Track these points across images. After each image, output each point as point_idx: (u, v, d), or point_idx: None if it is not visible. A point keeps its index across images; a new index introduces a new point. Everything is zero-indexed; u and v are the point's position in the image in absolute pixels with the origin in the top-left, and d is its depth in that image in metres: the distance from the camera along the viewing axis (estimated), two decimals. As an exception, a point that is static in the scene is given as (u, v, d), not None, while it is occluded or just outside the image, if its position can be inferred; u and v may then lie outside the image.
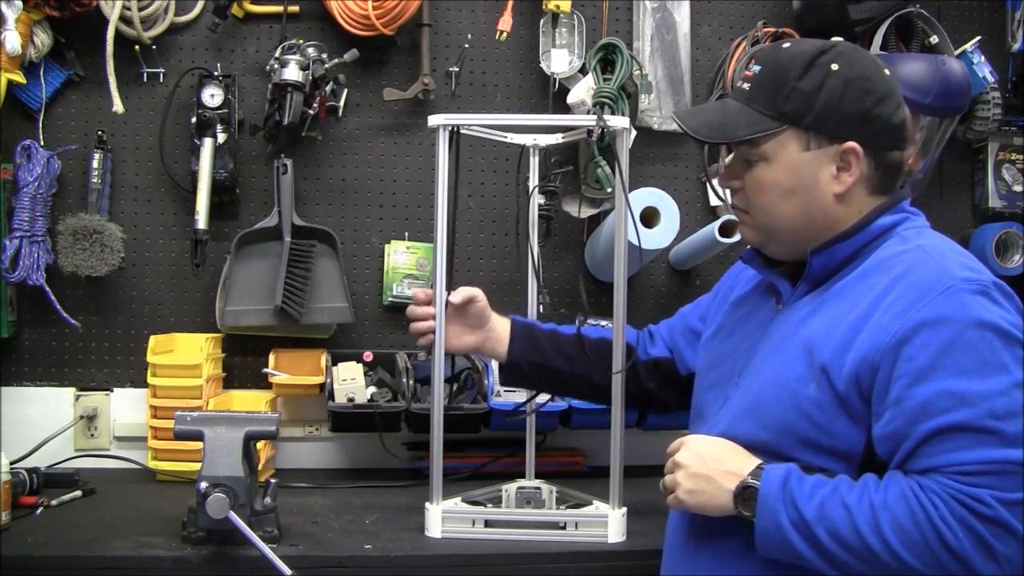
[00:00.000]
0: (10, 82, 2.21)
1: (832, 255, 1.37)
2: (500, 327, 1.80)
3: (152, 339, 2.21)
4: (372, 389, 2.28)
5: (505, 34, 2.39)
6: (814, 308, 1.36)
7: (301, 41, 2.31)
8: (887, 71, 1.38)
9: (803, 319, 1.36)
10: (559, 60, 2.42)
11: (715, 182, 2.46)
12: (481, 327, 1.80)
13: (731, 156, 1.49)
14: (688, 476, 1.35)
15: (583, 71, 2.43)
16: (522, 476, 1.99)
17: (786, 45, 1.41)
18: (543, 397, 1.99)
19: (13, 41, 2.14)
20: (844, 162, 1.36)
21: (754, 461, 1.31)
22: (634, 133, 2.38)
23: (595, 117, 1.76)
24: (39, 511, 1.85)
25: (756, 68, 1.41)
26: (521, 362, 1.78)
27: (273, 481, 1.75)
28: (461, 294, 1.78)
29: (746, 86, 1.41)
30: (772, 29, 2.46)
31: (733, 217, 2.24)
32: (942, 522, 1.17)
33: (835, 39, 1.41)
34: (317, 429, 2.38)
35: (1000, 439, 1.18)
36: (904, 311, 1.24)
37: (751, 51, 2.39)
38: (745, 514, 1.29)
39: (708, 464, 1.34)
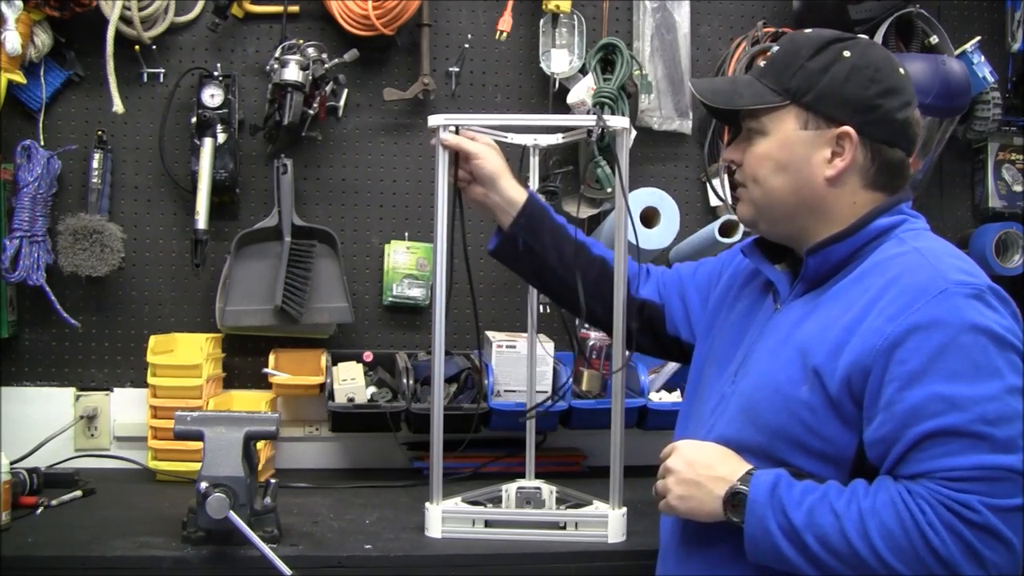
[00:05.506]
0: (10, 82, 2.21)
1: (827, 256, 1.37)
2: (515, 195, 1.73)
3: (152, 339, 2.21)
4: (372, 389, 2.28)
5: (505, 34, 2.39)
6: (810, 310, 1.35)
7: (301, 41, 2.31)
8: (902, 70, 1.39)
9: (798, 321, 1.36)
10: (559, 60, 2.42)
11: (715, 182, 2.46)
12: (489, 186, 1.73)
13: (736, 133, 1.49)
14: (678, 482, 1.35)
15: (583, 71, 2.43)
16: (522, 476, 1.99)
17: (808, 31, 1.44)
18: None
19: (13, 41, 2.14)
20: (839, 147, 1.36)
21: (744, 466, 1.31)
22: (634, 133, 2.38)
23: (595, 117, 1.76)
24: (39, 511, 1.85)
25: (775, 48, 1.44)
26: (518, 238, 1.74)
27: (273, 481, 1.75)
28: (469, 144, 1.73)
29: (762, 63, 1.45)
30: (772, 29, 2.46)
31: (733, 217, 2.24)
32: (929, 528, 1.16)
33: (860, 36, 1.43)
34: (317, 429, 2.38)
35: (991, 444, 1.17)
36: (897, 314, 1.23)
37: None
38: (734, 520, 1.29)
39: (698, 470, 1.34)
